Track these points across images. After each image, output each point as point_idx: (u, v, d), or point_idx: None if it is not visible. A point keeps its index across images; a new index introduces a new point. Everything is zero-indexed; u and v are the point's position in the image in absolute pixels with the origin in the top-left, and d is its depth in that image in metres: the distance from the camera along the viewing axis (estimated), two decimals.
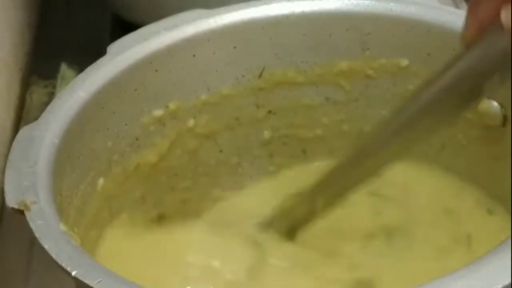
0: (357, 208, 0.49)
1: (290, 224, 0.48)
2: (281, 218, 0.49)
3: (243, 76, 0.52)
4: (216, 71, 0.51)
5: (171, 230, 0.50)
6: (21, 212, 0.38)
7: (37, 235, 0.37)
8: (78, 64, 0.74)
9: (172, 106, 0.50)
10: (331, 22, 0.51)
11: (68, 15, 0.85)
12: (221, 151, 0.54)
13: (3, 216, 0.59)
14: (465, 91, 0.38)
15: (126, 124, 0.49)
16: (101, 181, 0.47)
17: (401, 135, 0.42)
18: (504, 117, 0.46)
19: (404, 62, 0.50)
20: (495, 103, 0.46)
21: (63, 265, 0.35)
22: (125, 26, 0.73)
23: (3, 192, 0.40)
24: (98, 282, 0.34)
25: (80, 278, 0.34)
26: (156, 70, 0.49)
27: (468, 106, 0.42)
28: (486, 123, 0.47)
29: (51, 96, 0.72)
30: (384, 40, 0.50)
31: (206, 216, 0.52)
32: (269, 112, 0.54)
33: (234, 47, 0.51)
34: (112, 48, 0.49)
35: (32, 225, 0.37)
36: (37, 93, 0.73)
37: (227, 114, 0.53)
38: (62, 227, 0.38)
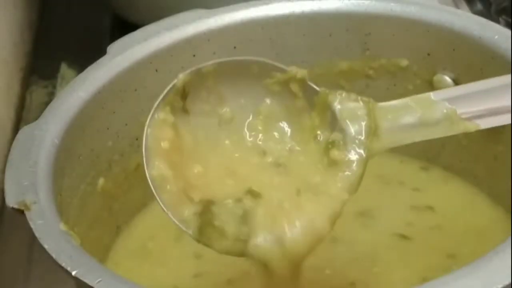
0: None
1: None
2: None
3: None
4: None
5: None
6: (21, 212, 0.38)
7: (37, 235, 0.37)
8: (78, 64, 0.74)
9: None
10: (331, 22, 0.51)
11: (68, 15, 0.85)
12: None
13: (3, 216, 0.59)
14: None
15: (126, 124, 0.49)
16: (101, 181, 0.47)
17: None
18: None
19: (404, 62, 0.50)
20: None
21: (63, 265, 0.35)
22: (125, 26, 0.72)
23: (3, 192, 0.40)
24: (98, 282, 0.34)
25: (80, 277, 0.34)
26: (156, 70, 0.49)
27: None
28: None
29: (51, 96, 0.72)
30: (384, 40, 0.50)
31: None
32: None
33: (234, 47, 0.51)
34: (112, 48, 0.49)
35: (32, 225, 0.37)
36: (37, 93, 0.73)
37: None
38: (62, 227, 0.38)
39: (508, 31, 0.46)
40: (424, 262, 0.46)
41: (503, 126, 0.46)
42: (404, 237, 0.48)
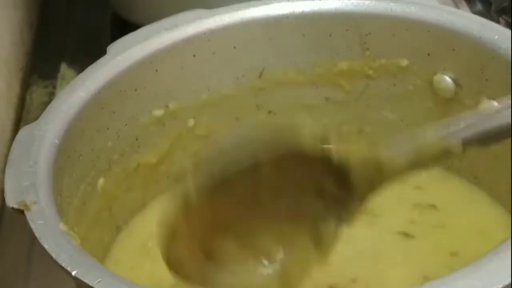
0: None
1: None
2: None
3: (243, 76, 0.52)
4: (216, 71, 0.51)
5: None
6: (21, 212, 0.38)
7: (37, 235, 0.37)
8: (78, 64, 0.74)
9: (172, 106, 0.50)
10: (331, 22, 0.51)
11: (68, 15, 0.85)
12: None
13: (3, 216, 0.59)
14: None
15: (126, 124, 0.49)
16: (101, 181, 0.47)
17: None
18: None
19: (404, 62, 0.50)
20: (495, 103, 0.46)
21: (63, 265, 0.35)
22: (125, 26, 0.73)
23: (3, 192, 0.40)
24: (98, 282, 0.34)
25: (80, 278, 0.34)
26: (156, 70, 0.49)
27: None
28: None
29: (51, 96, 0.72)
30: (384, 40, 0.50)
31: None
32: (269, 112, 0.54)
33: (234, 47, 0.51)
34: (112, 48, 0.49)
35: (32, 225, 0.37)
36: (37, 93, 0.73)
37: (227, 114, 0.53)
38: (62, 227, 0.38)
39: (508, 31, 0.46)
40: (426, 260, 0.46)
41: None
42: (406, 235, 0.48)
